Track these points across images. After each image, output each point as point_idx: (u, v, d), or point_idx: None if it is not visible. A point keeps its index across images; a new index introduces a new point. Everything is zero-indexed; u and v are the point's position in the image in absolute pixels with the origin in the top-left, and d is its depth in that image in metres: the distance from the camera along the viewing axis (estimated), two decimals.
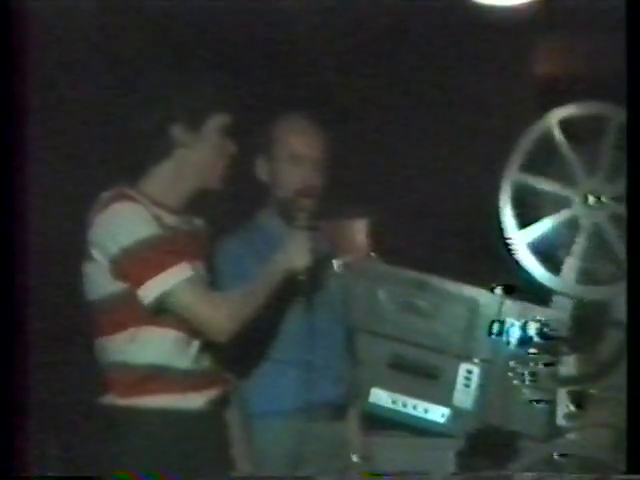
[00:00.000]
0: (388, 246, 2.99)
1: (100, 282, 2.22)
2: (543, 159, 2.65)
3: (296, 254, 2.33)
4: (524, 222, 2.64)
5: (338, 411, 2.55)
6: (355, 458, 2.53)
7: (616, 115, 2.62)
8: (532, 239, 2.63)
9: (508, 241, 2.62)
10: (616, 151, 2.62)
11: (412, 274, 2.73)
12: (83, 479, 2.21)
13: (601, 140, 2.63)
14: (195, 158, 2.30)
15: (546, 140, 2.64)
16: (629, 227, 2.37)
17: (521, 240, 2.62)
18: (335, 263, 2.66)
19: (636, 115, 2.33)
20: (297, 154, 2.52)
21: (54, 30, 2.37)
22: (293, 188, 2.51)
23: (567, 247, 2.65)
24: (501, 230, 2.63)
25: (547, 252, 2.65)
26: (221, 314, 2.22)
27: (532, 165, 2.64)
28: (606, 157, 2.62)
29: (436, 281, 2.70)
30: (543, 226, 2.64)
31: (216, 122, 2.30)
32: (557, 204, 2.66)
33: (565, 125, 2.64)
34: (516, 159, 2.63)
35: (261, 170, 2.57)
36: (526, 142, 2.64)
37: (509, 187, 2.63)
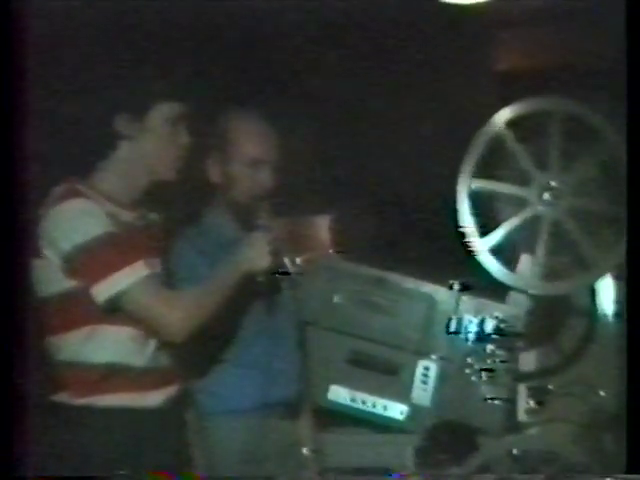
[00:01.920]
0: (346, 243, 3.00)
1: (52, 280, 2.19)
2: (495, 162, 2.66)
3: (256, 255, 2.32)
4: (484, 229, 2.65)
5: (294, 409, 2.54)
6: (306, 451, 2.53)
7: (560, 107, 2.64)
8: (493, 244, 2.64)
9: (470, 247, 2.62)
10: (565, 142, 2.63)
11: (370, 271, 2.73)
12: (83, 479, 2.19)
13: (549, 134, 2.64)
14: (143, 149, 2.26)
15: (495, 142, 2.65)
16: (629, 226, 2.37)
17: (483, 247, 2.63)
18: (294, 260, 2.65)
19: (636, 114, 2.32)
20: (255, 158, 2.50)
21: None
22: (251, 192, 2.49)
23: (529, 246, 2.66)
24: (461, 234, 2.63)
25: (509, 253, 2.66)
26: (177, 314, 2.19)
27: (485, 169, 2.65)
28: (556, 150, 2.64)
29: (394, 278, 2.71)
30: (503, 230, 2.65)
31: (162, 111, 2.27)
32: (514, 205, 2.68)
33: (512, 125, 2.65)
34: (468, 166, 2.64)
35: (213, 171, 2.53)
36: (476, 147, 2.65)
37: (465, 195, 2.64)
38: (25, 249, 2.20)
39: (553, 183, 2.62)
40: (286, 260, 2.57)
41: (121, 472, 2.16)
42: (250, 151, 2.50)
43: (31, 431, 2.16)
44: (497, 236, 2.63)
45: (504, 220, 2.65)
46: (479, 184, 2.63)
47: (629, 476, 2.24)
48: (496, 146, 2.64)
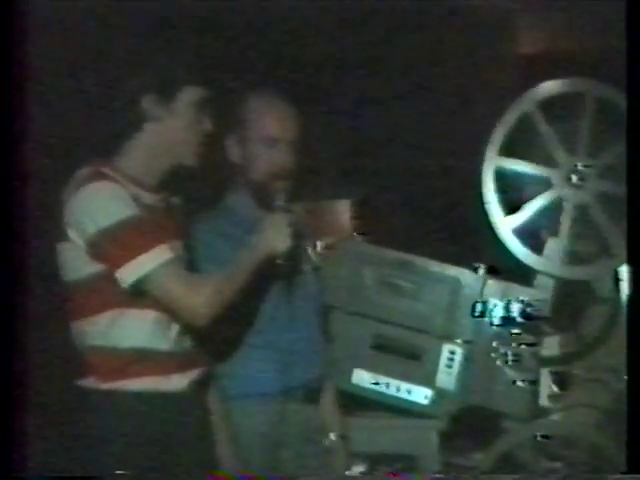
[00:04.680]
0: (371, 226, 2.99)
1: (77, 263, 2.17)
2: (523, 140, 2.63)
3: (275, 237, 2.30)
4: (509, 207, 2.62)
5: (317, 393, 2.53)
6: (333, 437, 2.52)
7: (593, 90, 2.60)
8: (518, 225, 2.61)
9: (494, 227, 2.60)
10: (596, 126, 2.60)
11: (395, 254, 2.72)
12: (83, 479, 2.18)
13: (580, 116, 2.60)
14: (168, 132, 2.24)
15: (525, 121, 2.62)
16: (629, 221, 2.34)
17: (507, 226, 2.61)
18: (318, 244, 2.64)
19: (636, 106, 2.30)
20: (272, 136, 2.48)
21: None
22: (268, 171, 2.47)
23: (552, 228, 2.64)
24: (485, 214, 2.60)
25: (532, 234, 2.64)
26: (200, 298, 2.18)
27: (512, 147, 2.62)
28: (586, 133, 2.61)
29: (419, 261, 2.70)
30: (528, 210, 2.62)
31: (189, 95, 2.25)
32: (540, 186, 2.65)
33: (543, 104, 2.61)
34: (495, 142, 2.61)
35: (232, 151, 2.52)
36: (504, 124, 2.62)
37: (491, 172, 2.62)
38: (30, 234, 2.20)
39: (582, 165, 2.59)
40: (307, 245, 2.57)
41: (122, 472, 2.14)
42: (270, 130, 2.48)
43: (31, 431, 2.16)
44: (522, 216, 2.61)
45: (528, 200, 2.63)
46: (505, 162, 2.61)
47: (629, 476, 2.23)
48: (525, 125, 2.61)
